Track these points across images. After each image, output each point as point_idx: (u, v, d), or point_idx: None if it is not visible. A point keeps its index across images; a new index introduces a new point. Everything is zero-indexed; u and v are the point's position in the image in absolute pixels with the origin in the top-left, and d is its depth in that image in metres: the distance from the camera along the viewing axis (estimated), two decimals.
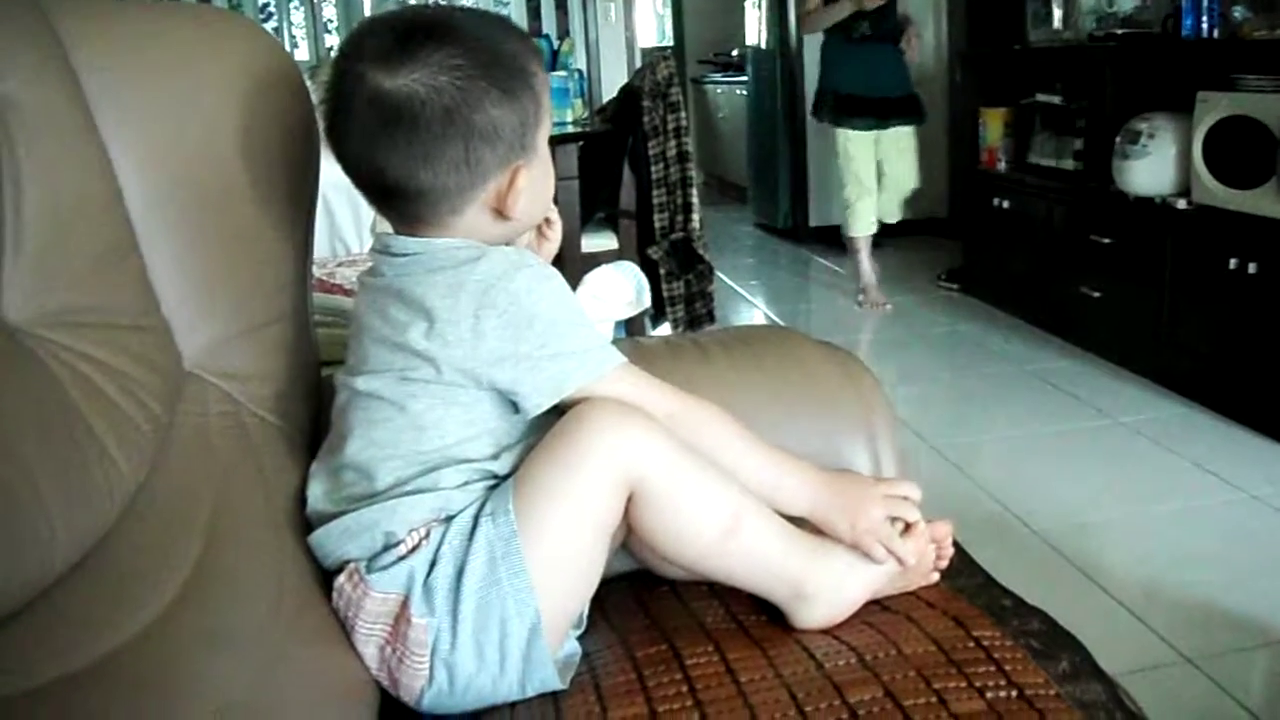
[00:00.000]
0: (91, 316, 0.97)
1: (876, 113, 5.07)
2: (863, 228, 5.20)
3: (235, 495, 1.07)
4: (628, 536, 1.18)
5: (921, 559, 1.22)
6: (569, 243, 3.45)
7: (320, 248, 1.40)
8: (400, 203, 1.13)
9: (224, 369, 1.16)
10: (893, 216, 5.33)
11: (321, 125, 1.16)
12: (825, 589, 1.16)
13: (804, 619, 1.17)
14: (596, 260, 3.51)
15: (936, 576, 1.25)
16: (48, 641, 0.77)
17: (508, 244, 1.18)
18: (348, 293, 2.09)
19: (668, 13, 11.66)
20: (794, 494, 1.18)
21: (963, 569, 1.30)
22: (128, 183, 1.09)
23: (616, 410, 1.09)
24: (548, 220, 1.31)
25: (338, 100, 1.10)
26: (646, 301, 1.40)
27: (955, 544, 1.30)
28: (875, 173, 5.17)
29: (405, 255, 1.13)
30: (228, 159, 1.18)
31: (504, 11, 6.24)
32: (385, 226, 1.21)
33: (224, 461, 1.09)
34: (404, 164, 1.08)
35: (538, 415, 1.12)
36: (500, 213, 1.14)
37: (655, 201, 3.44)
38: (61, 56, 1.05)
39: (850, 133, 5.12)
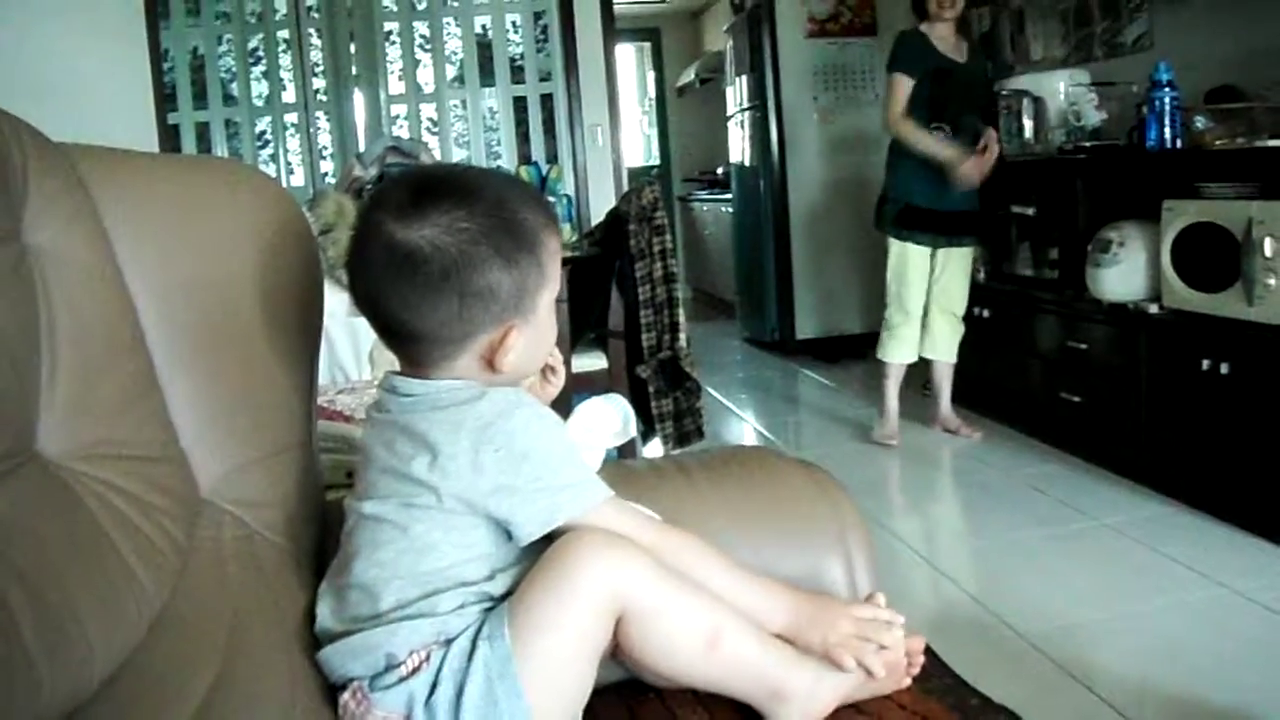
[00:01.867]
0: (118, 449, 1.06)
1: (941, 228, 4.67)
2: (897, 354, 4.81)
3: (250, 615, 1.14)
4: (615, 647, 1.23)
5: (894, 669, 1.28)
6: None
7: (321, 376, 1.49)
8: (400, 341, 1.22)
9: (237, 496, 1.24)
10: (939, 352, 4.85)
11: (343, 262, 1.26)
12: (800, 693, 1.23)
13: None
14: (587, 380, 3.60)
15: (908, 682, 1.32)
16: None
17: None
18: (347, 419, 2.18)
19: (654, 133, 11.86)
20: (770, 612, 1.25)
21: (934, 671, 1.37)
22: (149, 324, 1.18)
23: (604, 538, 1.16)
24: (552, 368, 1.40)
25: (358, 243, 1.20)
26: (633, 431, 1.48)
27: (928, 648, 1.37)
28: (924, 294, 4.76)
29: (410, 395, 1.22)
30: (240, 300, 1.27)
31: (493, 138, 6.40)
32: (382, 355, 1.29)
33: (238, 583, 1.16)
34: (404, 309, 1.17)
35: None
36: (490, 364, 1.22)
37: (643, 321, 3.52)
38: (91, 207, 1.14)
39: (911, 246, 4.70)
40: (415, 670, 1.13)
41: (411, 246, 1.14)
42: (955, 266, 4.76)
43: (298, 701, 1.11)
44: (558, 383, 1.41)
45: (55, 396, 1.00)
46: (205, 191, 1.33)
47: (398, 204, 1.16)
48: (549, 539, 1.19)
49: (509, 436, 1.16)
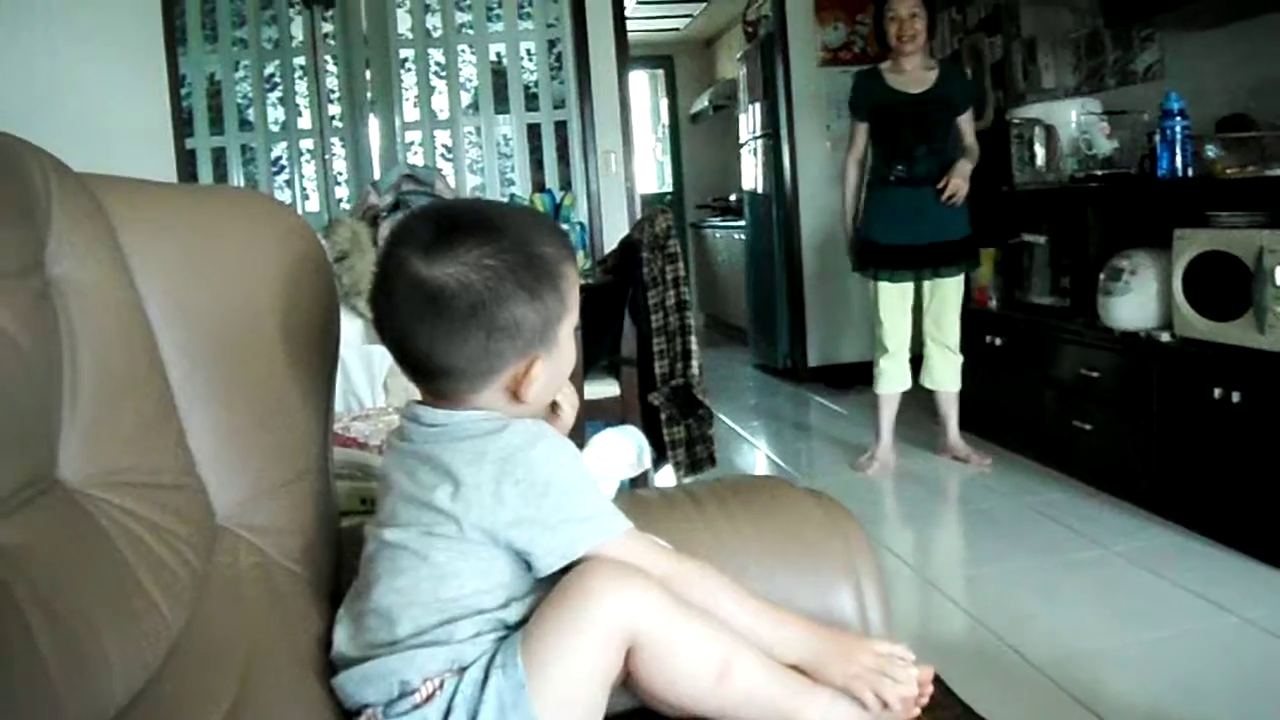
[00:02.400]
0: (137, 476, 1.07)
1: (912, 263, 4.68)
2: (883, 386, 4.84)
3: (265, 641, 1.15)
4: (626, 676, 1.24)
5: (905, 702, 1.28)
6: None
7: (336, 404, 1.50)
8: (427, 376, 1.23)
9: (253, 523, 1.25)
10: (938, 382, 4.87)
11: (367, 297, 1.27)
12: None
13: None
14: (600, 407, 3.61)
15: (917, 712, 1.32)
16: None
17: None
18: (362, 446, 2.19)
19: (667, 160, 11.91)
20: (787, 644, 1.26)
21: (943, 701, 1.38)
22: (167, 353, 1.20)
23: (616, 569, 1.17)
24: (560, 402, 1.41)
25: (382, 278, 1.21)
26: (647, 463, 1.50)
27: (937, 677, 1.38)
28: (905, 328, 4.79)
29: (434, 426, 1.23)
30: (257, 329, 1.29)
31: (506, 165, 6.44)
32: (397, 383, 1.31)
33: (254, 609, 1.18)
34: (431, 345, 1.19)
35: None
36: (516, 395, 1.24)
37: (655, 349, 3.53)
38: (112, 238, 1.16)
39: (882, 284, 4.74)
40: (429, 698, 1.15)
41: (439, 284, 1.16)
42: (942, 297, 4.77)
43: None
44: (568, 414, 1.42)
45: (76, 424, 1.02)
46: (223, 221, 1.35)
47: (422, 241, 1.18)
48: (564, 568, 1.20)
49: (531, 468, 1.18)
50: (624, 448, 1.50)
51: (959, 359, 4.83)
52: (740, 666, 1.21)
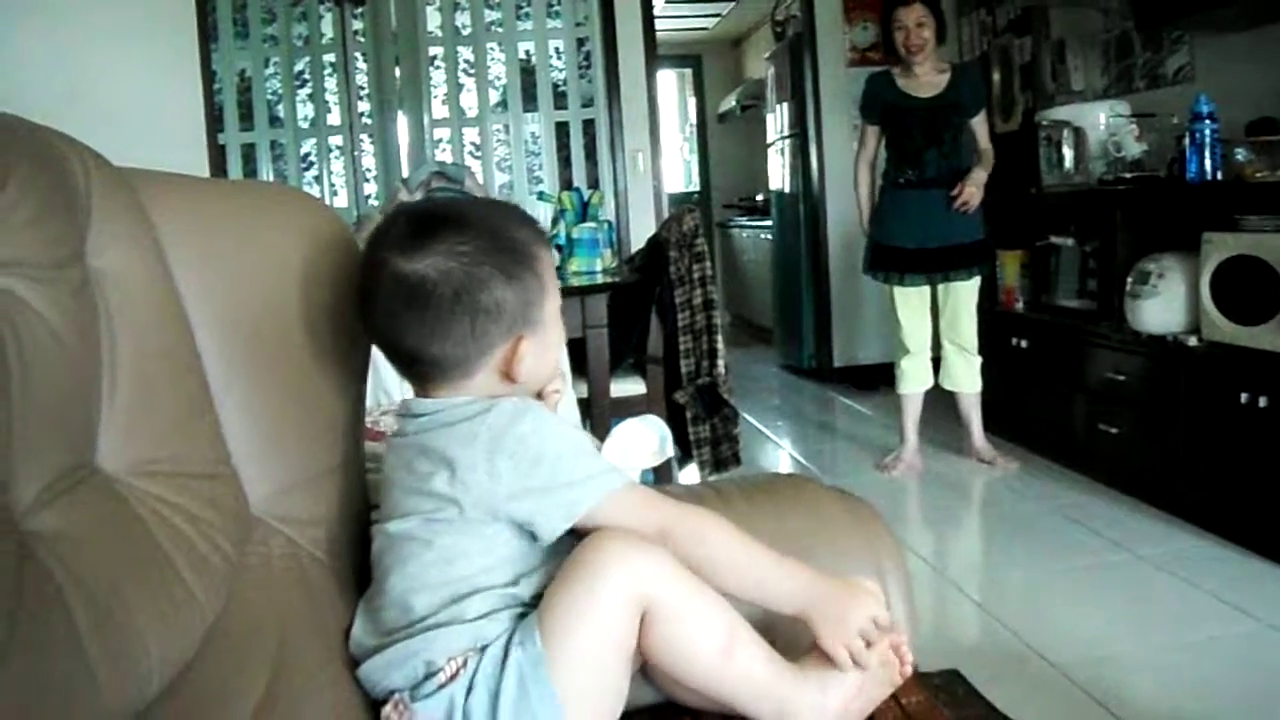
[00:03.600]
0: (174, 466, 1.09)
1: (924, 267, 4.71)
2: (904, 386, 4.87)
3: (296, 630, 1.17)
4: (647, 664, 1.27)
5: (886, 666, 1.30)
6: (598, 389, 3.57)
7: (366, 398, 1.52)
8: (418, 367, 1.28)
9: (285, 514, 1.27)
10: (957, 384, 4.86)
11: None
12: (806, 707, 1.25)
13: None
14: (626, 404, 3.62)
15: (900, 681, 1.32)
16: None
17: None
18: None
19: (694, 159, 11.92)
20: (789, 593, 1.27)
21: (966, 700, 1.39)
22: (203, 344, 1.22)
23: (626, 539, 1.20)
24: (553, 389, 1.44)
25: (365, 281, 1.26)
26: (669, 451, 1.52)
27: (960, 676, 1.39)
28: (925, 329, 4.83)
29: (424, 415, 1.27)
30: (292, 323, 1.31)
31: (535, 163, 6.46)
32: None
33: (285, 599, 1.20)
34: (419, 337, 1.23)
35: (553, 542, 1.23)
36: (507, 376, 1.27)
37: (682, 348, 3.55)
38: (151, 231, 1.18)
39: (896, 289, 4.78)
40: (453, 677, 1.17)
41: (420, 276, 1.21)
42: (955, 301, 4.78)
43: (345, 713, 1.15)
44: (556, 403, 1.44)
45: (115, 414, 1.04)
46: (260, 216, 1.37)
47: (399, 240, 1.23)
48: (571, 541, 1.23)
49: (522, 441, 1.21)
50: (646, 437, 1.52)
51: (977, 360, 4.83)
52: (742, 645, 1.24)
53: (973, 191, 4.57)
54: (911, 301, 4.80)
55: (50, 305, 0.96)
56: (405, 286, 1.21)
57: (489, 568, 1.23)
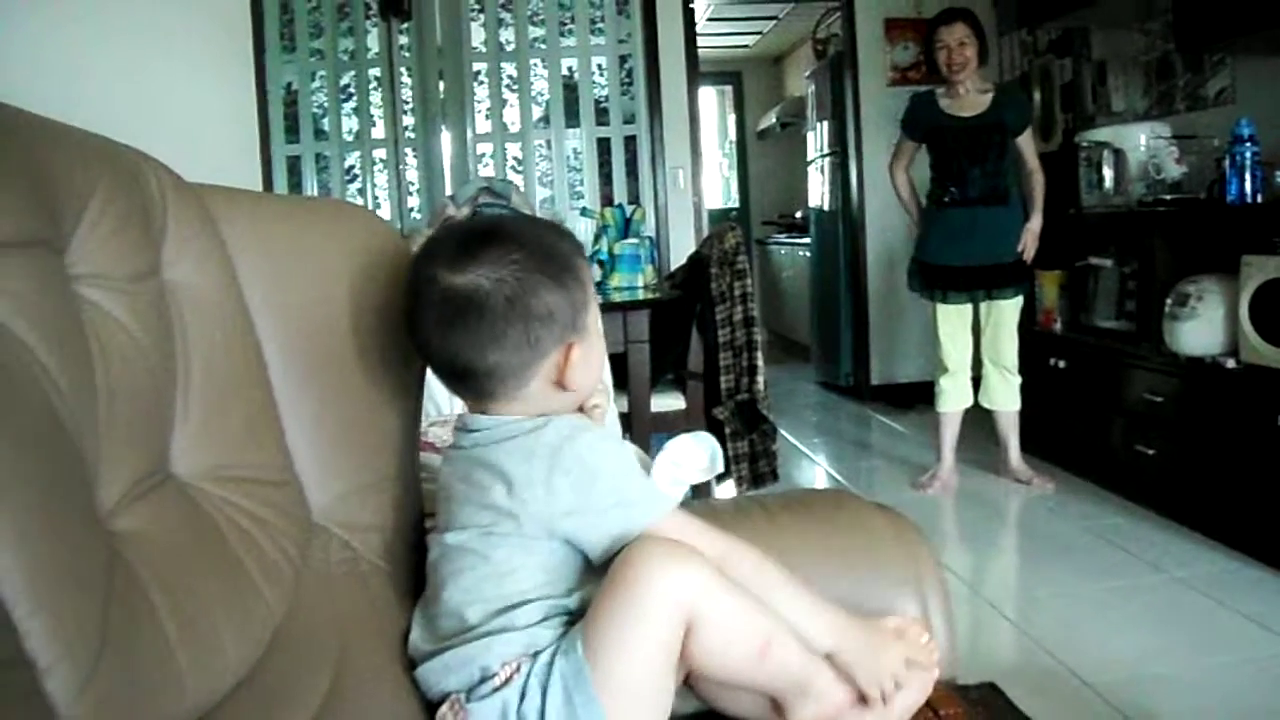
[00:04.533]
0: (242, 473, 1.14)
1: (966, 284, 4.73)
2: (944, 404, 4.87)
3: (356, 633, 1.21)
4: (690, 674, 1.30)
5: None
6: (639, 403, 3.61)
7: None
8: (472, 381, 1.30)
9: (345, 521, 1.32)
10: (996, 403, 4.86)
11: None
12: (824, 692, 1.30)
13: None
14: (665, 419, 3.66)
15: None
16: None
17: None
18: (438, 450, 2.25)
19: (733, 175, 11.95)
20: (822, 632, 1.30)
21: (1004, 711, 1.42)
22: (270, 356, 1.27)
23: (668, 548, 1.22)
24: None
25: (414, 298, 1.29)
26: (720, 468, 1.55)
27: (996, 688, 1.42)
28: (966, 348, 4.83)
29: (480, 430, 1.30)
30: (352, 335, 1.36)
31: (576, 179, 6.50)
32: None
33: (346, 602, 1.24)
34: (474, 347, 1.25)
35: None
36: (560, 384, 1.30)
37: (722, 364, 3.58)
38: (221, 245, 1.23)
39: (940, 306, 4.80)
40: (507, 681, 1.20)
41: (473, 286, 1.24)
42: (998, 320, 4.78)
43: (402, 713, 1.19)
44: (597, 415, 1.47)
45: (189, 422, 1.09)
46: (321, 231, 1.42)
47: (447, 256, 1.26)
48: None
49: (579, 458, 1.24)
50: (697, 453, 1.55)
51: (1017, 380, 4.83)
52: (778, 643, 1.26)
53: (1031, 243, 4.70)
54: (953, 320, 4.81)
55: (131, 316, 1.01)
56: (458, 298, 1.24)
57: (542, 583, 1.26)
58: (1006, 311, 4.77)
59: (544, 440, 1.25)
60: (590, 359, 1.34)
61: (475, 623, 1.25)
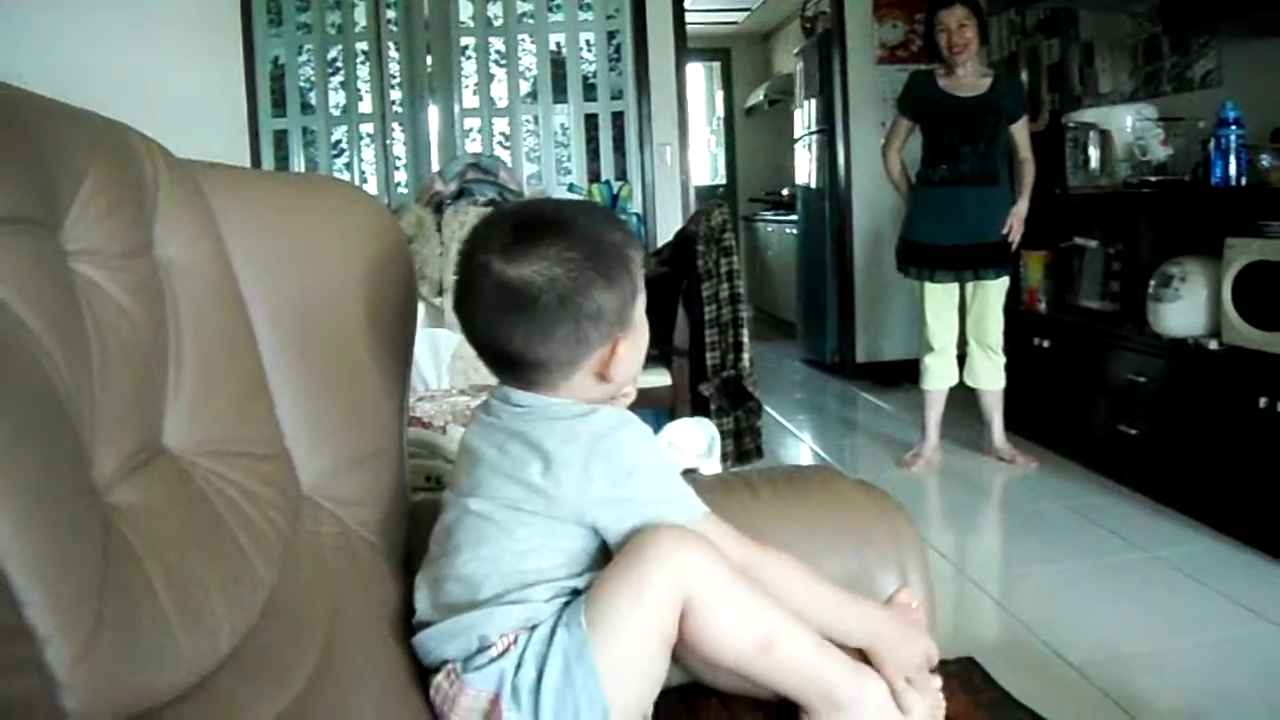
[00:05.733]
0: (232, 446, 1.15)
1: (953, 263, 4.76)
2: (928, 382, 4.91)
3: (345, 603, 1.23)
4: (677, 648, 1.29)
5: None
6: None
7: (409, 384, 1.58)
8: (520, 369, 1.31)
9: (333, 494, 1.33)
10: (979, 381, 4.91)
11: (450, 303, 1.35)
12: (852, 700, 1.29)
13: None
14: (650, 397, 3.67)
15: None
16: (210, 717, 0.93)
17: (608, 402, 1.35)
18: (427, 426, 2.27)
19: (721, 152, 11.95)
20: (856, 627, 1.33)
21: (982, 686, 1.45)
22: (260, 331, 1.28)
23: (676, 534, 1.24)
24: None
25: (466, 284, 1.29)
26: (716, 454, 1.57)
27: (975, 663, 1.44)
28: (952, 326, 4.86)
29: (524, 406, 1.31)
30: (342, 311, 1.37)
31: (563, 154, 6.50)
32: (464, 365, 1.38)
33: (335, 575, 1.26)
34: (525, 340, 1.26)
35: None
36: (602, 376, 1.32)
37: (708, 340, 3.59)
38: (213, 222, 1.24)
39: (926, 285, 4.83)
40: (505, 651, 1.23)
41: (525, 280, 1.24)
42: (983, 299, 4.82)
43: (392, 682, 1.22)
44: (626, 403, 1.49)
45: (180, 396, 1.10)
46: (311, 208, 1.43)
47: (501, 244, 1.26)
48: None
49: (620, 449, 1.26)
50: (696, 438, 1.57)
51: (1001, 359, 4.87)
52: (783, 642, 1.26)
53: (1017, 226, 4.72)
54: (939, 299, 4.84)
55: (124, 292, 1.03)
56: (510, 291, 1.24)
57: (558, 565, 1.28)
58: (992, 292, 4.80)
59: (589, 427, 1.27)
60: (635, 352, 1.35)
61: (485, 597, 1.26)
